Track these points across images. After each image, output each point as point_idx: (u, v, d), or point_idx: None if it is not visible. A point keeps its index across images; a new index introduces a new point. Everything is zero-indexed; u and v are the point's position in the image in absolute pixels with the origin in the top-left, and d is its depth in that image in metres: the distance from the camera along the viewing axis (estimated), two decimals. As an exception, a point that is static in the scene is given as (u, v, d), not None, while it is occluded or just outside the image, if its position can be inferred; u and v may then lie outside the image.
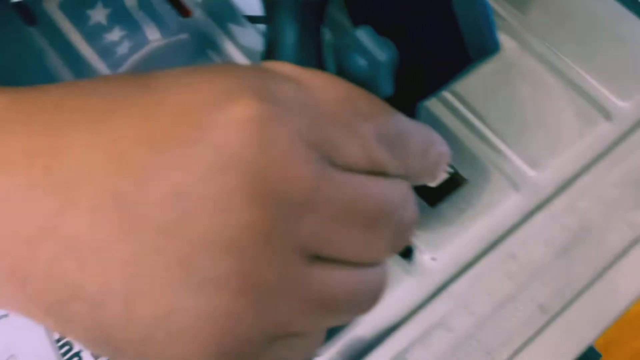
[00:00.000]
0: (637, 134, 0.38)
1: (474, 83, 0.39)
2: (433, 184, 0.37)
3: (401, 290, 0.34)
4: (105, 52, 0.37)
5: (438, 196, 0.36)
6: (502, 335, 0.33)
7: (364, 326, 0.33)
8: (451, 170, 0.37)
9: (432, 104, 0.39)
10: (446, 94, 0.40)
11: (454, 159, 0.37)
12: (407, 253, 0.35)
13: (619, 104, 0.39)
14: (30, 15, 0.34)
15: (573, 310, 0.33)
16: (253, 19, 0.39)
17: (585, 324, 0.33)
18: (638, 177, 0.37)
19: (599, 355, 0.72)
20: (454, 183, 0.38)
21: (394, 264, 0.34)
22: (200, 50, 0.39)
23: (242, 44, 0.39)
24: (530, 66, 0.40)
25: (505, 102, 0.39)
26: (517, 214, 0.36)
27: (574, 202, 0.36)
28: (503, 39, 0.41)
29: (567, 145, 0.38)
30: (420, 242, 0.35)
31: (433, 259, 0.35)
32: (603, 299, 0.34)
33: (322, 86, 0.20)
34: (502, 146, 0.38)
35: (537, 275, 0.34)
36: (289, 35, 0.25)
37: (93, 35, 0.37)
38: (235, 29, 0.39)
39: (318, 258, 0.19)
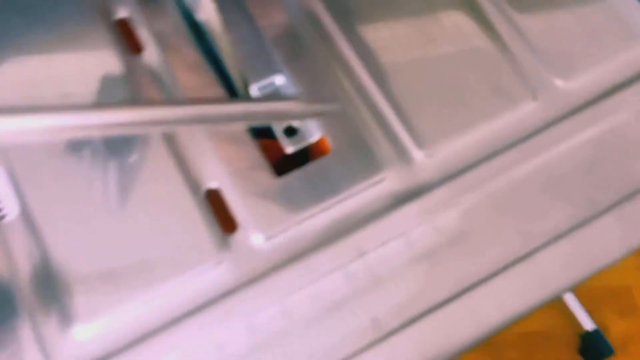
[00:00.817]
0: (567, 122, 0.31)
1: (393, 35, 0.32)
2: (289, 148, 0.30)
3: (215, 272, 0.27)
4: None
5: (288, 165, 0.29)
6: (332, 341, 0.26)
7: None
8: (318, 135, 0.30)
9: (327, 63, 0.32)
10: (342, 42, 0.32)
11: (326, 122, 0.30)
12: (233, 227, 0.28)
13: (556, 83, 0.31)
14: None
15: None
16: None
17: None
18: (544, 178, 0.30)
19: (612, 352, 0.68)
20: (315, 152, 0.30)
21: (208, 237, 0.27)
22: None
23: None
24: (472, 27, 0.32)
25: (423, 63, 0.31)
26: (378, 206, 0.29)
27: (458, 198, 0.29)
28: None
29: (467, 126, 0.30)
30: (247, 216, 0.28)
31: (265, 239, 0.28)
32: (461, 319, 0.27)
33: None
34: (392, 119, 0.30)
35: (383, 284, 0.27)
36: None
37: None
38: None
39: None
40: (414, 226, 0.28)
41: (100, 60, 0.30)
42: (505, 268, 0.28)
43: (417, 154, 0.30)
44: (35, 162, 0.28)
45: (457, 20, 0.32)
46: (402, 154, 0.30)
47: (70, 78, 0.30)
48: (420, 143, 0.30)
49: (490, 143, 0.30)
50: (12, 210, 0.27)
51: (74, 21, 0.31)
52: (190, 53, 0.31)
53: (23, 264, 0.27)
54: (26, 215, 0.27)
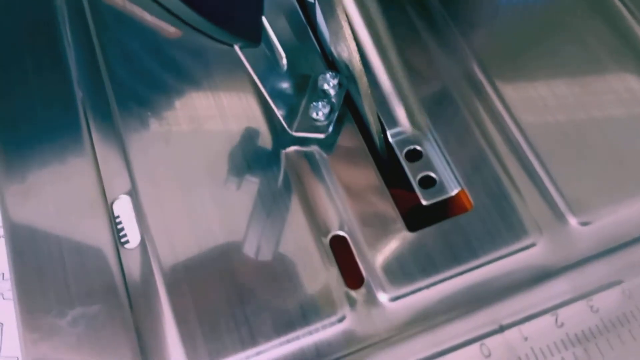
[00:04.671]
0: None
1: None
2: (424, 201, 0.27)
3: (336, 329, 0.25)
4: None
5: (423, 220, 0.27)
6: None
7: None
8: (457, 188, 0.27)
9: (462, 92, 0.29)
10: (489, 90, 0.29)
11: (467, 174, 0.27)
12: (357, 282, 0.26)
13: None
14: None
15: None
16: None
17: None
18: None
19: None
20: (453, 207, 0.27)
21: (332, 290, 0.25)
22: None
23: None
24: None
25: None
26: (524, 275, 0.25)
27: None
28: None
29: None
30: (374, 272, 0.25)
31: (392, 299, 0.25)
32: None
33: None
34: (545, 179, 0.27)
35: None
36: None
37: None
38: None
39: None
40: (564, 303, 0.25)
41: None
42: (677, 365, 0.23)
43: (572, 221, 0.26)
44: (158, 193, 0.28)
45: (629, 84, 0.29)
46: (554, 220, 0.26)
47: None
48: (575, 208, 0.26)
49: (661, 215, 0.26)
50: (133, 239, 0.27)
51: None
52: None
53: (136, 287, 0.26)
54: (145, 244, 0.26)
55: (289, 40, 0.32)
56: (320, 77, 0.29)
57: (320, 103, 0.28)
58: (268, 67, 0.27)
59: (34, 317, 0.25)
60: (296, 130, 0.28)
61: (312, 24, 0.32)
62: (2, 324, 0.40)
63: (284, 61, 0.27)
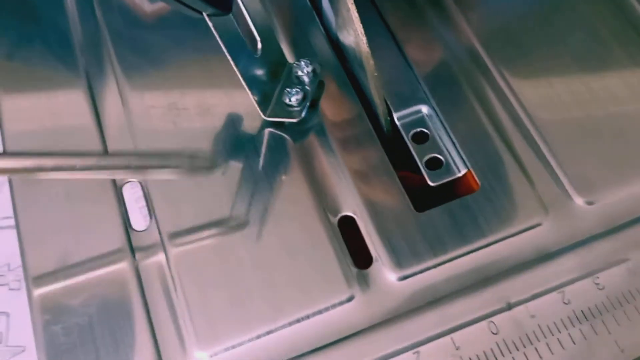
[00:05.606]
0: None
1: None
2: (431, 182, 0.27)
3: (346, 308, 0.25)
4: None
5: (430, 200, 0.27)
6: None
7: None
8: (464, 169, 0.27)
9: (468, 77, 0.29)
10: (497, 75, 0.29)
11: (474, 156, 0.27)
12: (366, 262, 0.26)
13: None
14: None
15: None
16: None
17: None
18: None
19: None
20: (460, 187, 0.28)
21: (340, 270, 0.25)
22: None
23: None
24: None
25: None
26: (531, 254, 0.26)
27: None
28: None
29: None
30: (382, 252, 0.26)
31: (400, 278, 0.25)
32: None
33: None
34: (551, 159, 0.27)
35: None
36: None
37: None
38: None
39: None
40: (571, 281, 0.25)
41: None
42: (683, 341, 0.24)
43: (577, 200, 0.26)
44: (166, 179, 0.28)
45: (636, 63, 0.29)
46: (560, 199, 0.27)
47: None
48: (580, 188, 0.27)
49: (666, 194, 0.26)
50: (142, 222, 0.27)
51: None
52: (332, 78, 0.30)
53: (147, 271, 0.26)
54: (154, 227, 0.27)
55: (293, 24, 0.32)
56: (294, 65, 0.29)
57: (294, 89, 0.28)
58: (240, 47, 0.27)
59: (45, 299, 0.25)
60: (269, 116, 0.28)
61: (317, 8, 0.32)
62: (8, 314, 0.40)
63: (259, 45, 0.27)
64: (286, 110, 0.28)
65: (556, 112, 0.28)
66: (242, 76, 0.27)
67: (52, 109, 0.30)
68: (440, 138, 0.28)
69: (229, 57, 0.26)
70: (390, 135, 0.29)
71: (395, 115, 0.29)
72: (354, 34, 0.27)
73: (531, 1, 0.32)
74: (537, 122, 0.28)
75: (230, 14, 0.26)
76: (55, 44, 0.32)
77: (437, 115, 0.29)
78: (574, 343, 0.24)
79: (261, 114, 0.28)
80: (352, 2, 0.26)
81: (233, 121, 0.29)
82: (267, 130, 0.29)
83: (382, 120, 0.28)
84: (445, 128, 0.28)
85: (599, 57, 0.30)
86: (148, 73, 0.31)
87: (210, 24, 0.25)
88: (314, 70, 0.29)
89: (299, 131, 0.29)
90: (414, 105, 0.29)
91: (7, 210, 0.29)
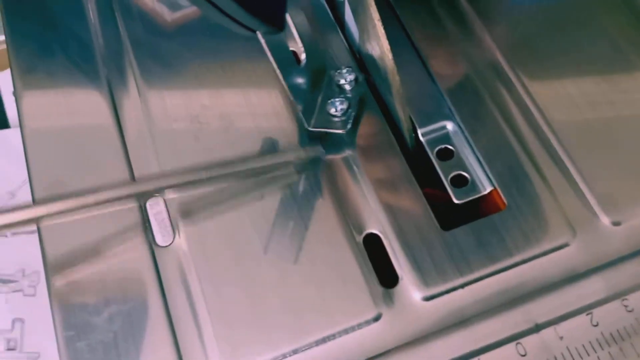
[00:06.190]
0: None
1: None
2: (457, 200, 0.27)
3: (371, 329, 0.25)
4: None
5: (456, 219, 0.27)
6: None
7: None
8: (490, 187, 0.27)
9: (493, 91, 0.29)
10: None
11: (499, 173, 0.27)
12: (392, 281, 0.26)
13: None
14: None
15: None
16: None
17: None
18: None
19: None
20: (485, 205, 0.27)
21: (366, 290, 0.25)
22: None
23: None
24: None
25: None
26: (558, 274, 0.25)
27: None
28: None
29: None
30: (408, 271, 0.26)
31: (426, 298, 0.25)
32: None
33: None
34: (578, 179, 0.27)
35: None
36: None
37: None
38: None
39: None
40: (599, 303, 0.25)
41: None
42: None
43: (604, 220, 0.26)
44: (190, 192, 0.28)
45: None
46: (587, 219, 0.26)
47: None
48: (607, 207, 0.26)
49: (695, 215, 0.26)
50: (166, 237, 0.27)
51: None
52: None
53: (170, 285, 0.26)
54: (178, 242, 0.26)
55: (316, 37, 0.32)
56: (336, 73, 0.29)
57: (337, 99, 0.28)
58: (290, 61, 0.27)
59: (70, 315, 0.25)
60: (314, 127, 0.28)
61: (340, 21, 0.32)
62: (23, 320, 0.40)
63: (303, 56, 0.27)
64: (330, 120, 0.28)
65: (583, 130, 0.28)
66: (288, 88, 0.26)
67: (74, 119, 0.30)
68: (465, 155, 0.28)
69: (278, 73, 0.26)
70: (414, 152, 0.29)
71: (419, 131, 0.29)
72: (379, 49, 0.27)
73: (553, 15, 0.32)
74: (562, 138, 0.28)
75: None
76: (77, 53, 0.32)
77: (462, 131, 0.29)
78: (603, 366, 0.23)
79: (305, 124, 0.28)
80: (379, 18, 0.26)
81: (255, 135, 0.29)
82: (291, 145, 0.28)
83: (407, 136, 0.28)
84: (470, 145, 0.28)
85: (621, 72, 0.30)
86: (169, 81, 0.31)
87: (262, 42, 0.25)
88: (356, 79, 0.28)
89: (332, 144, 0.28)
90: (439, 121, 0.29)
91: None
